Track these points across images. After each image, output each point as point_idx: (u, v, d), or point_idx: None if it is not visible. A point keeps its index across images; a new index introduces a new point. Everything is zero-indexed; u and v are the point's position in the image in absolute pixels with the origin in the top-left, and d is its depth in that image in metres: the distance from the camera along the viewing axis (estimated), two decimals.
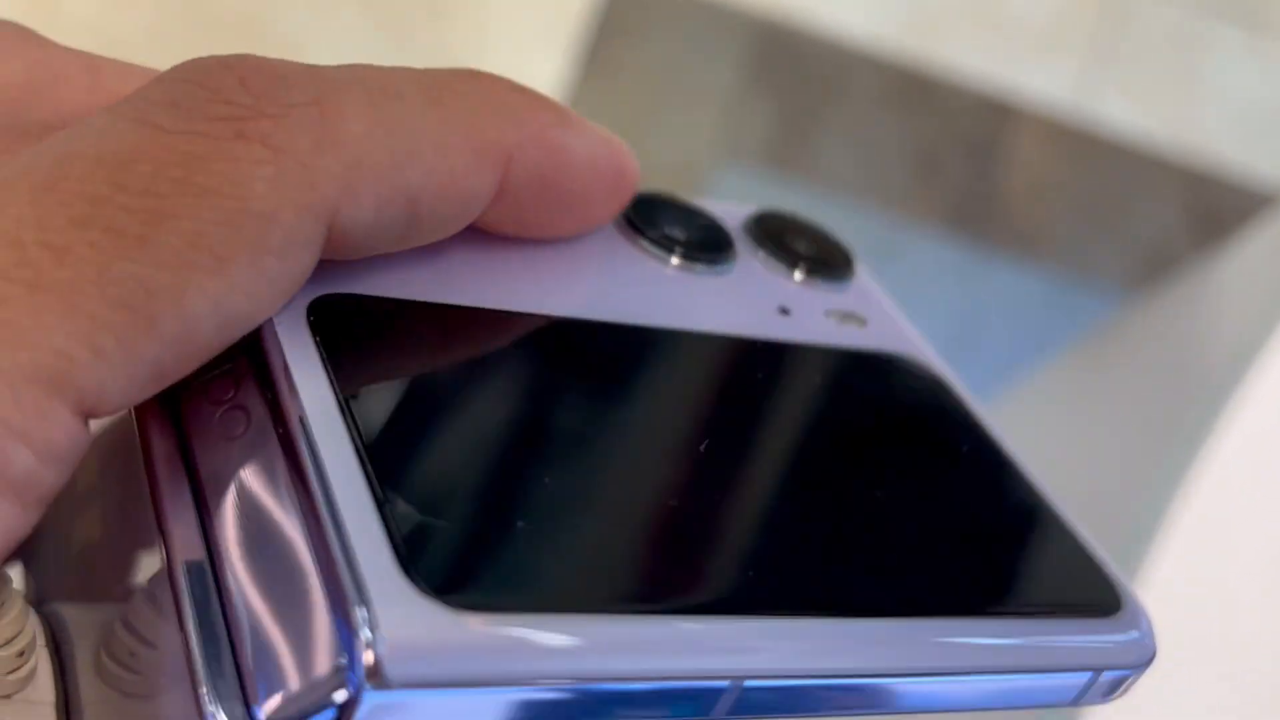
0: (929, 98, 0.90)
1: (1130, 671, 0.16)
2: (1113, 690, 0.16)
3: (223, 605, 0.13)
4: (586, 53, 0.89)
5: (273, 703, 0.12)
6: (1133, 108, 0.90)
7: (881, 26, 0.90)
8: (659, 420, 0.17)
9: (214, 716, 0.13)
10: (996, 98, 0.90)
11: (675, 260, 0.19)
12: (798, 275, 0.20)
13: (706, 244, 0.19)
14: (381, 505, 0.13)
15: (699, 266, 0.19)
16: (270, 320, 0.14)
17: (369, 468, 0.13)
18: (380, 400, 0.14)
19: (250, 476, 0.14)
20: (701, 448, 0.16)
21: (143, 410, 0.15)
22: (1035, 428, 0.64)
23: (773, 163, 0.89)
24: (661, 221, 0.19)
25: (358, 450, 0.13)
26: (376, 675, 0.12)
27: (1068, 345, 0.85)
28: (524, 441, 0.15)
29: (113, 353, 0.12)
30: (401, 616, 0.12)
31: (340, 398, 0.14)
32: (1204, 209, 0.88)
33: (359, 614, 0.12)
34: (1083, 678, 0.16)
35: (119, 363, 0.13)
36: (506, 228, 0.17)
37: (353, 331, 0.15)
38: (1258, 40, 0.91)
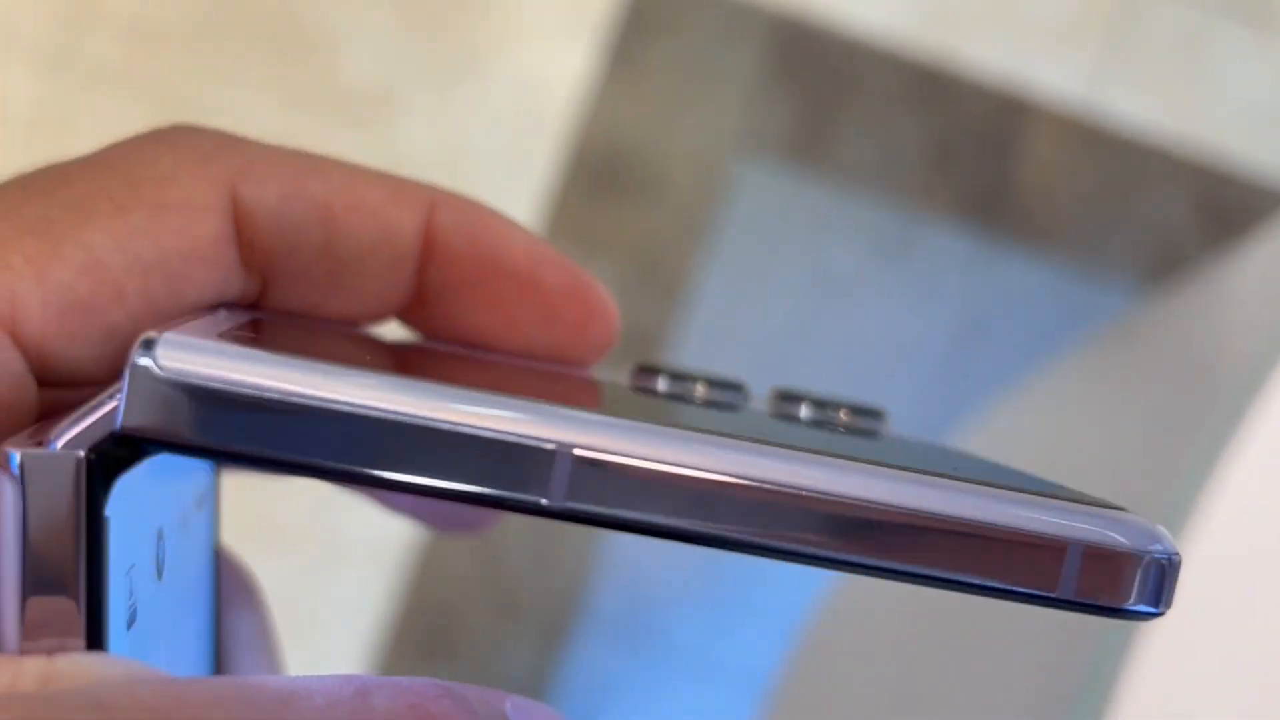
0: (945, 93, 0.91)
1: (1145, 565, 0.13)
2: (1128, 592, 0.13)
3: None
4: (612, 48, 0.90)
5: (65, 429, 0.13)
6: (1144, 104, 0.91)
7: (899, 23, 0.91)
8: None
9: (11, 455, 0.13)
10: (1011, 93, 0.91)
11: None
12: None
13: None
14: None
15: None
16: None
17: None
18: None
19: None
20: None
21: None
22: (1050, 421, 0.64)
23: (793, 155, 0.90)
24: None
25: None
26: (150, 352, 0.12)
27: (1080, 336, 0.87)
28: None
29: (21, 269, 0.14)
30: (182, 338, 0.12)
31: None
32: (1213, 203, 0.90)
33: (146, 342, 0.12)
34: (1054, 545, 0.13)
35: (29, 279, 0.14)
36: (461, 313, 0.17)
37: None
38: (1265, 40, 0.92)
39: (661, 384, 0.17)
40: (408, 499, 0.19)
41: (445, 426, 0.12)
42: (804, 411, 0.17)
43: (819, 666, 0.69)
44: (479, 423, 0.12)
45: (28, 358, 0.14)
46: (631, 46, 0.91)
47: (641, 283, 0.88)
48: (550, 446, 0.12)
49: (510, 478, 0.12)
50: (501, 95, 0.90)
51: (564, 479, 0.12)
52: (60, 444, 0.12)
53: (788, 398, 0.18)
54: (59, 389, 0.14)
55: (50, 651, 0.13)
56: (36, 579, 0.13)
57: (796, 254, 0.89)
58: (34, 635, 0.13)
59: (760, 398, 0.18)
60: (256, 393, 0.12)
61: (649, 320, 0.88)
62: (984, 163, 0.91)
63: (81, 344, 0.14)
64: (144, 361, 0.12)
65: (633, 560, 0.87)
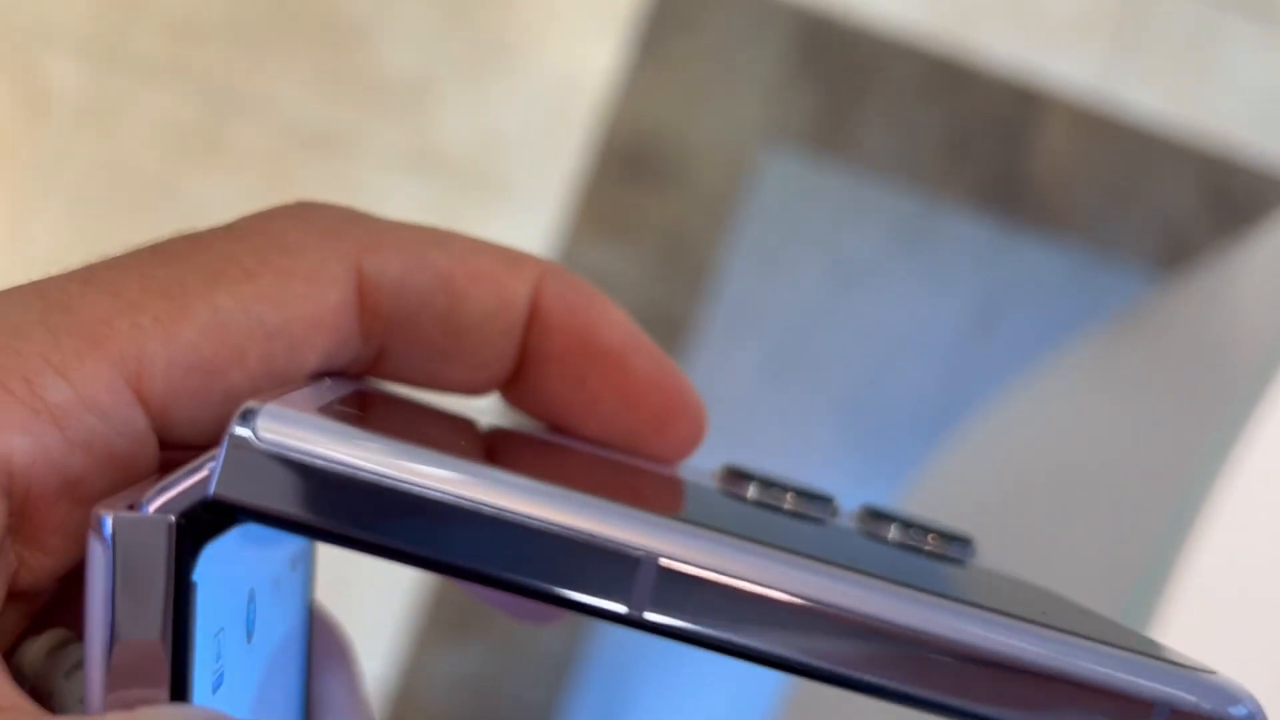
0: (961, 84, 0.92)
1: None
2: None
3: None
4: (640, 41, 0.92)
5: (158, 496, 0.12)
6: (1154, 95, 0.93)
7: (917, 17, 0.93)
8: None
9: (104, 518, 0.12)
10: (1025, 84, 0.93)
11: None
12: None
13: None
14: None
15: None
16: None
17: None
18: None
19: None
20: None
21: None
22: (1066, 405, 0.64)
23: (815, 144, 0.91)
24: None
25: None
26: (251, 425, 0.12)
27: (1093, 320, 0.88)
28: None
29: (150, 329, 0.14)
30: (280, 411, 0.12)
31: None
32: (1221, 191, 0.92)
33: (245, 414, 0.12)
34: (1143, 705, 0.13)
35: (158, 339, 0.14)
36: (552, 388, 0.17)
37: None
38: (1272, 33, 0.94)
39: (751, 491, 0.16)
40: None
41: (532, 523, 0.12)
42: (892, 533, 0.17)
43: None
44: (566, 521, 0.12)
45: (150, 415, 0.14)
46: (659, 40, 0.93)
47: (667, 267, 0.90)
48: (637, 554, 0.12)
49: (592, 581, 0.12)
50: (534, 86, 0.92)
51: (647, 587, 0.12)
52: (152, 508, 0.12)
53: (877, 516, 0.17)
54: (177, 449, 0.14)
55: (131, 705, 0.12)
56: (124, 641, 0.12)
57: (818, 240, 0.91)
58: (118, 692, 0.13)
59: (848, 513, 0.18)
60: (348, 472, 0.12)
61: (674, 304, 0.90)
62: (999, 152, 0.92)
63: (201, 404, 0.14)
64: (242, 431, 0.12)
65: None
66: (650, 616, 0.12)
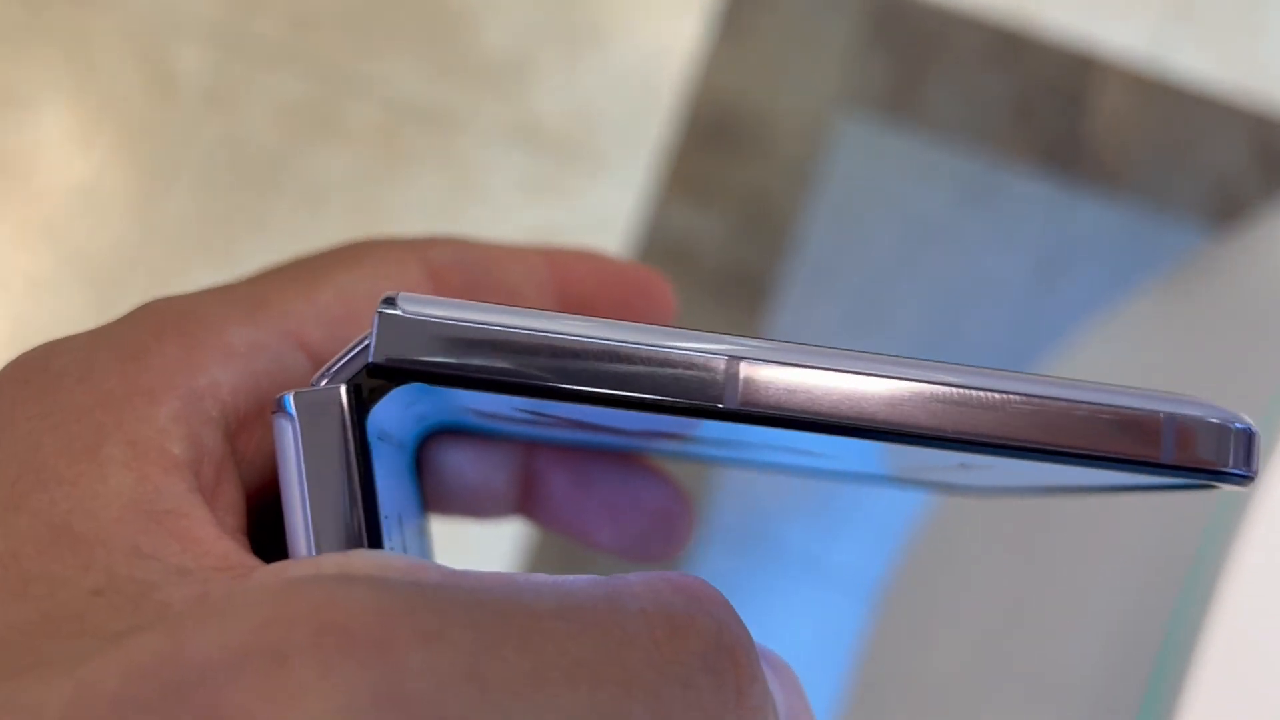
0: (1024, 52, 0.96)
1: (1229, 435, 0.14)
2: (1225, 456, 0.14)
3: None
4: (721, 17, 0.96)
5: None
6: (1205, 57, 0.96)
7: None
8: None
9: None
10: (1082, 51, 0.96)
11: None
12: None
13: None
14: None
15: None
16: None
17: None
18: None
19: None
20: None
21: None
22: (1123, 353, 0.67)
23: (887, 110, 0.96)
24: None
25: None
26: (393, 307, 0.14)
27: (1150, 273, 0.92)
28: None
29: (295, 296, 0.17)
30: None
31: None
32: (1271, 150, 0.95)
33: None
34: (1152, 419, 0.14)
35: (303, 300, 0.17)
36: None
37: None
38: None
39: None
40: (611, 533, 0.21)
41: (652, 350, 0.13)
42: None
43: (923, 574, 0.73)
44: (677, 344, 0.14)
45: (309, 357, 0.17)
46: (739, 14, 0.96)
47: (751, 230, 0.94)
48: (722, 361, 0.14)
49: (694, 388, 0.13)
50: (624, 62, 0.96)
51: (735, 386, 0.13)
52: (322, 384, 0.14)
53: None
54: None
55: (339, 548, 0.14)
56: (318, 500, 0.14)
57: (891, 201, 0.95)
58: (323, 542, 0.14)
59: None
60: (493, 329, 0.13)
61: (759, 264, 0.94)
62: (1060, 115, 0.96)
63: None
64: (389, 311, 0.14)
65: (746, 476, 0.93)
66: (743, 407, 0.14)
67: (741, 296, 0.94)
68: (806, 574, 0.92)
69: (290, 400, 0.14)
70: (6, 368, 0.15)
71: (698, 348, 0.13)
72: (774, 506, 0.93)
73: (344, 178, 0.94)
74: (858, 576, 0.91)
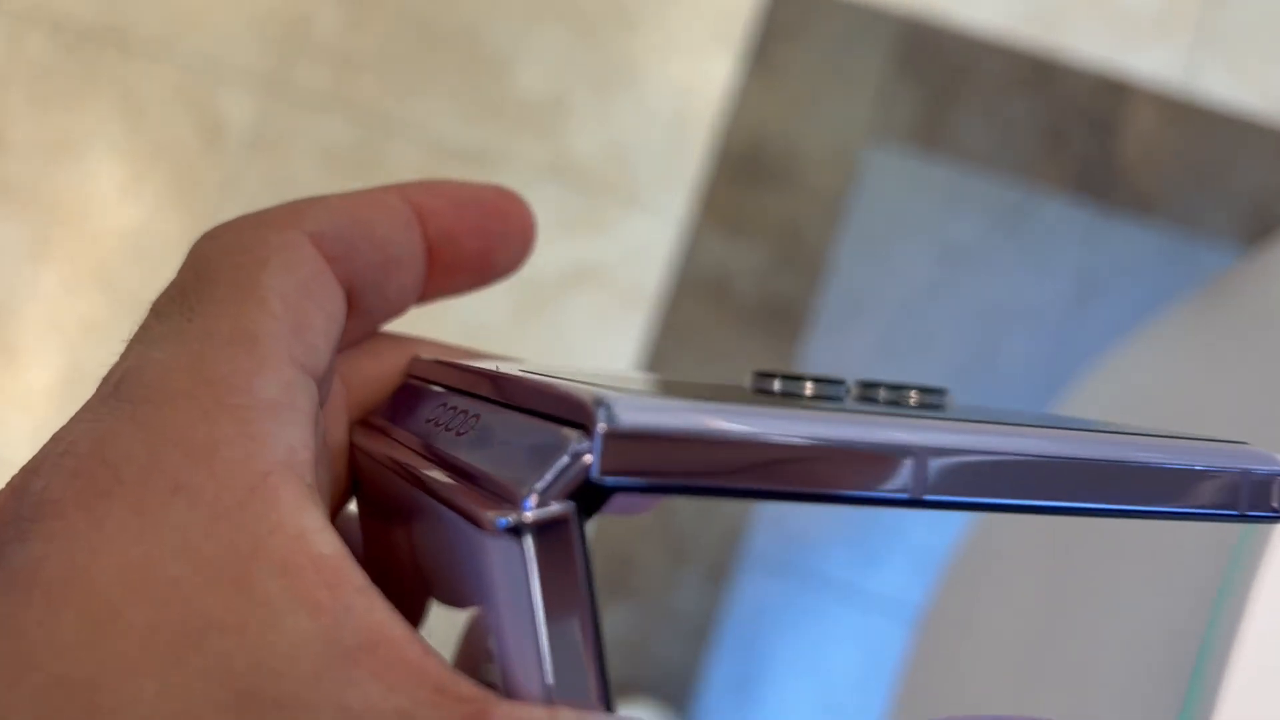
0: (1053, 80, 0.96)
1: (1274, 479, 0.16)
2: (1270, 499, 0.16)
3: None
4: (753, 53, 0.97)
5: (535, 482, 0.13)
6: (1235, 81, 0.96)
7: (1008, 19, 0.97)
8: None
9: (495, 518, 0.13)
10: (1113, 78, 0.96)
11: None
12: None
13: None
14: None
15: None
16: None
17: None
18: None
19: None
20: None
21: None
22: (1156, 371, 0.66)
23: (917, 140, 0.96)
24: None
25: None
26: (609, 419, 0.13)
27: (1185, 293, 0.91)
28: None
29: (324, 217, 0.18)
30: (624, 402, 0.13)
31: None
32: None
33: (591, 404, 0.13)
34: (1234, 477, 0.16)
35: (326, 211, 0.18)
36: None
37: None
38: None
39: (778, 385, 0.19)
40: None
41: (866, 448, 0.14)
42: (896, 397, 0.19)
43: (964, 598, 0.72)
44: (878, 438, 0.14)
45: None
46: (770, 51, 0.97)
47: (784, 259, 0.95)
48: (910, 462, 0.14)
49: (884, 481, 0.14)
50: (657, 99, 0.97)
51: (922, 477, 0.14)
52: (535, 503, 0.13)
53: (875, 386, 0.19)
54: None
55: (580, 707, 0.13)
56: (558, 635, 0.13)
57: (924, 229, 0.95)
58: (563, 686, 0.13)
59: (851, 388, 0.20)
60: (713, 434, 0.13)
61: (793, 293, 0.94)
62: (1091, 141, 0.96)
63: (362, 248, 0.19)
64: (608, 427, 0.13)
65: (785, 506, 0.93)
66: (929, 497, 0.14)
67: (778, 325, 0.95)
68: (849, 599, 0.92)
69: (506, 522, 0.13)
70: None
71: (889, 444, 0.14)
72: (813, 536, 0.93)
73: None
74: (899, 601, 0.90)
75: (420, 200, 0.19)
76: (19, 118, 0.98)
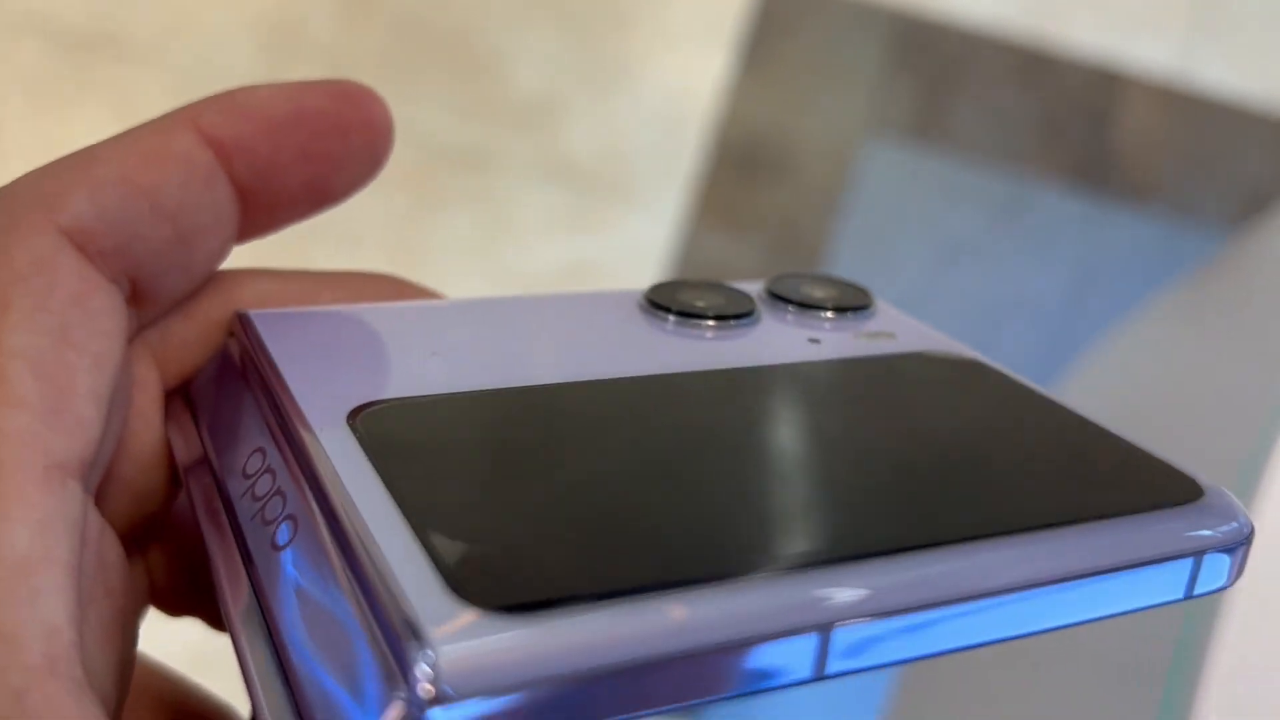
0: (1049, 71, 0.96)
1: (1231, 550, 0.14)
2: (1223, 575, 0.15)
3: (279, 656, 0.12)
4: (747, 49, 0.97)
5: None
6: (1229, 72, 0.96)
7: (1003, 11, 0.97)
8: (702, 433, 0.15)
9: None
10: (1109, 68, 0.96)
11: (704, 325, 0.18)
12: (821, 315, 0.20)
13: (730, 307, 0.19)
14: (426, 544, 0.12)
15: (729, 325, 0.18)
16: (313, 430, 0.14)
17: (410, 519, 0.12)
18: (424, 482, 0.13)
19: (306, 571, 0.13)
20: (742, 440, 0.15)
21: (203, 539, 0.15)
22: (1153, 353, 0.64)
23: (914, 133, 0.96)
24: (682, 297, 0.19)
25: (398, 505, 0.12)
26: (435, 693, 0.10)
27: (1179, 278, 0.90)
28: (572, 465, 0.14)
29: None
30: (452, 633, 0.11)
31: (385, 486, 0.13)
32: None
33: (409, 634, 0.11)
34: (1185, 566, 0.14)
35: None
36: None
37: (390, 429, 0.14)
38: None
39: (673, 320, 0.18)
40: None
41: (739, 643, 0.12)
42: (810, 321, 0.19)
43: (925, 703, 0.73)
44: (761, 629, 0.12)
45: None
46: (764, 46, 0.97)
47: (782, 254, 0.95)
48: (815, 631, 0.12)
49: (785, 670, 0.12)
50: (652, 97, 0.97)
51: (821, 651, 0.12)
52: None
53: (780, 299, 0.20)
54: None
55: None
56: None
57: (921, 222, 0.95)
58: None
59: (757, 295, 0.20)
60: (544, 687, 0.11)
61: None
62: (1087, 132, 0.96)
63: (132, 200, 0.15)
64: (422, 689, 0.10)
65: None
66: (828, 672, 0.13)
67: None
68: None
69: None
70: None
71: (784, 627, 0.12)
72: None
73: (383, 218, 0.96)
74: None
75: (222, 133, 0.15)
76: (14, 124, 0.98)
